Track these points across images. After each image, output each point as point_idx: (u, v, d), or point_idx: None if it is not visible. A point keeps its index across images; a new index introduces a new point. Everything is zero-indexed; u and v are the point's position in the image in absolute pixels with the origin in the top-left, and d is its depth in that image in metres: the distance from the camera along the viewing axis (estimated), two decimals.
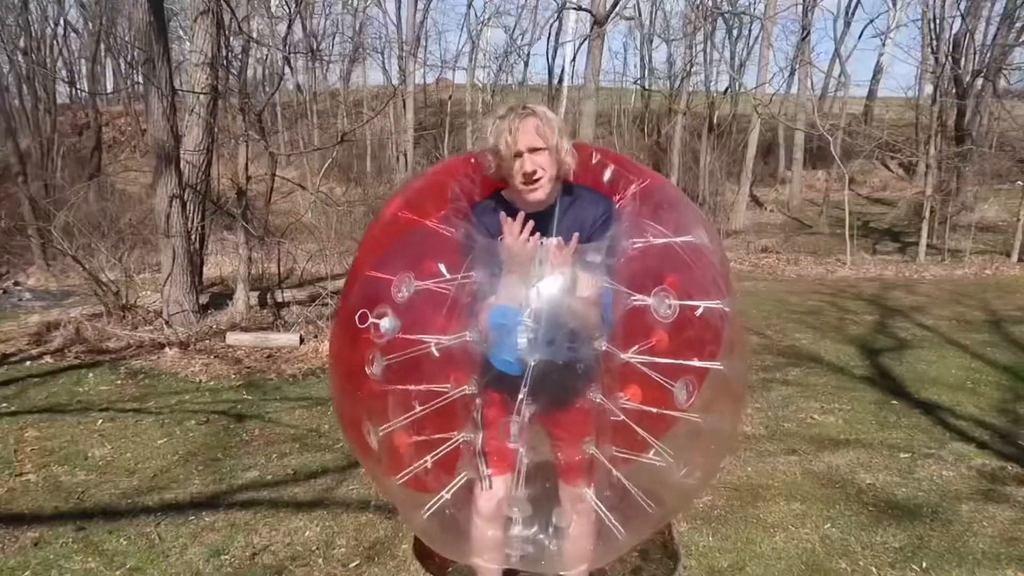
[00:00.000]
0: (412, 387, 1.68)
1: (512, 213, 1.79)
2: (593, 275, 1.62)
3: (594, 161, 1.99)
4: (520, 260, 1.65)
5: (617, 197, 1.89)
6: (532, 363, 1.57)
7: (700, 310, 1.66)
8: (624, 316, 1.62)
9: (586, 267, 1.63)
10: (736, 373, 1.82)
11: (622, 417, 1.67)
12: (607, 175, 1.97)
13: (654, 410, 1.69)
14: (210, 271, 9.28)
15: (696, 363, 1.69)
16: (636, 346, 1.64)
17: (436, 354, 1.61)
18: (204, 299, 7.02)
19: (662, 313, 1.60)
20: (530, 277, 1.61)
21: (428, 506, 1.78)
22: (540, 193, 1.75)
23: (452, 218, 1.77)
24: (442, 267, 1.65)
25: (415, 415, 1.69)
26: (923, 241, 11.87)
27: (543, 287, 1.60)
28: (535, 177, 1.72)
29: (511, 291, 1.62)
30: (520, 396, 1.60)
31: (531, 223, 1.69)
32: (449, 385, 1.67)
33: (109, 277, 6.72)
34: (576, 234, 1.67)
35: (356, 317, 1.68)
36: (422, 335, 1.62)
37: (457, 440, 1.73)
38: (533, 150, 1.70)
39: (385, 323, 1.65)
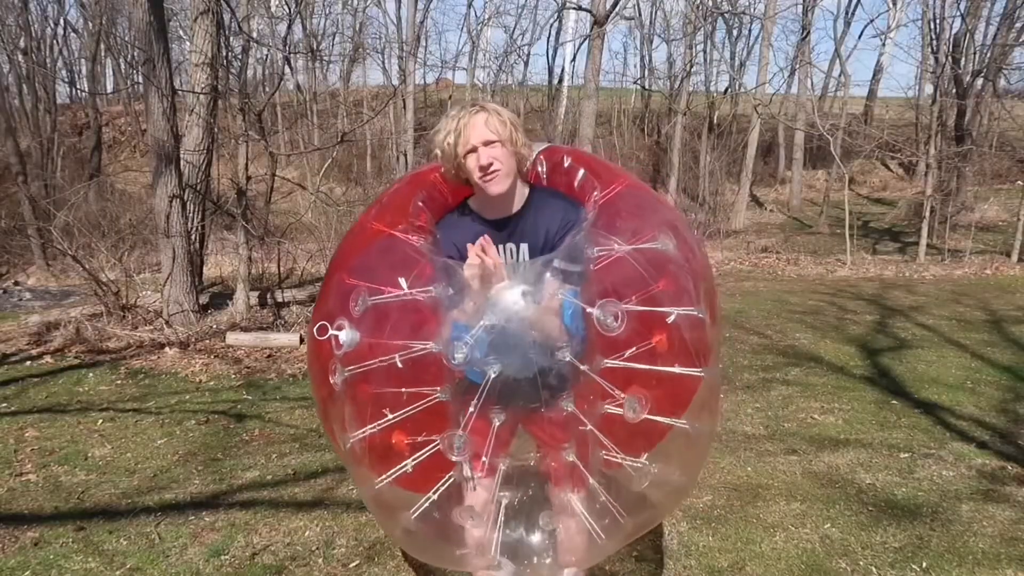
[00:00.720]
0: (379, 399, 1.67)
1: (477, 220, 1.80)
2: (551, 284, 1.60)
3: (566, 164, 1.97)
4: (475, 285, 1.65)
5: (588, 203, 1.87)
6: (493, 375, 1.56)
7: (672, 317, 1.64)
8: (590, 325, 1.59)
9: (544, 276, 1.61)
10: (715, 379, 1.82)
11: (589, 427, 1.64)
12: (579, 177, 1.94)
13: (636, 417, 1.65)
14: (210, 271, 9.28)
15: (679, 370, 1.66)
16: (635, 347, 1.62)
17: (400, 366, 1.61)
18: (204, 299, 7.02)
19: (608, 325, 1.55)
20: (482, 295, 1.61)
21: (415, 508, 1.76)
22: (499, 187, 1.74)
23: (410, 233, 1.78)
24: (402, 281, 1.65)
25: (384, 424, 1.68)
26: (923, 241, 11.86)
27: (490, 302, 1.59)
28: (492, 169, 1.71)
29: (466, 309, 1.63)
30: (471, 409, 1.59)
31: (490, 244, 1.67)
32: (420, 394, 1.67)
33: (109, 277, 6.72)
34: (485, 237, 1.66)
35: (315, 330, 1.68)
36: (384, 350, 1.62)
37: (438, 443, 1.71)
38: (486, 143, 1.71)
39: (343, 335, 1.64)
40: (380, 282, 1.67)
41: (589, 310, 1.57)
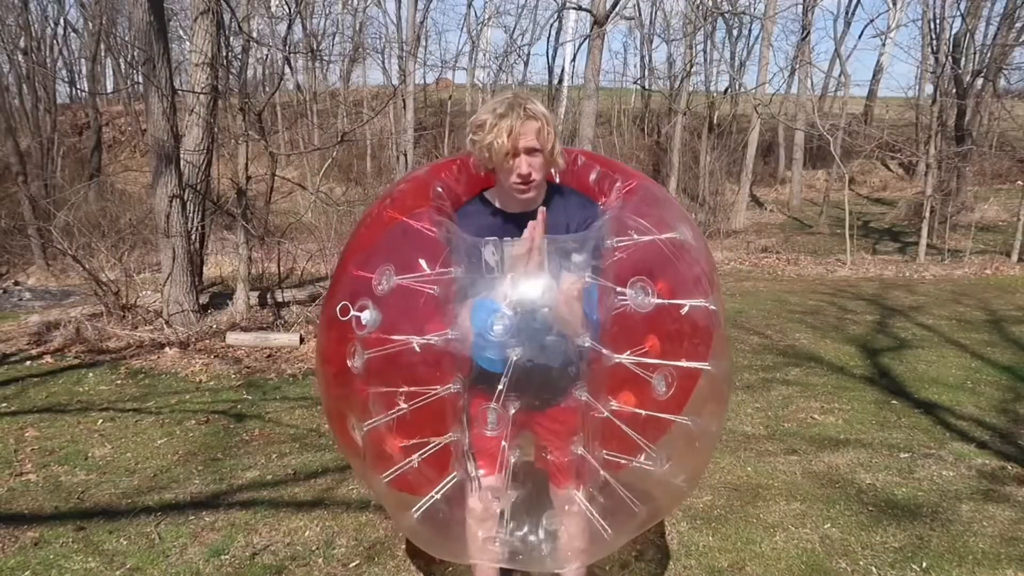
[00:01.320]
0: (396, 385, 1.68)
1: (496, 212, 1.82)
2: (574, 269, 1.62)
3: (579, 163, 2.00)
4: (520, 263, 1.66)
5: (603, 200, 1.92)
6: (515, 357, 1.57)
7: (685, 308, 1.66)
8: (613, 317, 1.62)
9: (567, 262, 1.63)
10: (722, 373, 1.83)
11: (606, 414, 1.65)
12: (592, 176, 1.98)
13: (643, 412, 1.68)
14: (210, 271, 9.28)
15: (685, 364, 1.68)
16: (628, 351, 1.63)
17: (418, 350, 1.61)
18: (204, 299, 7.02)
19: (639, 303, 1.59)
20: (516, 274, 1.63)
21: (418, 507, 1.77)
22: (530, 196, 1.78)
23: (433, 216, 1.76)
24: (423, 262, 1.65)
25: (399, 412, 1.68)
26: (923, 241, 11.86)
27: (520, 279, 1.60)
28: (530, 179, 1.73)
29: (495, 287, 1.63)
30: (500, 387, 1.59)
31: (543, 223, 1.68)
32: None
33: (109, 277, 6.72)
34: (543, 211, 1.68)
35: (338, 310, 1.69)
36: (404, 333, 1.62)
37: (443, 440, 1.72)
38: (530, 151, 1.71)
39: (366, 315, 1.65)
40: (399, 265, 1.67)
41: (620, 290, 1.59)
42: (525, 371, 1.59)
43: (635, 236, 1.68)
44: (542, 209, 1.68)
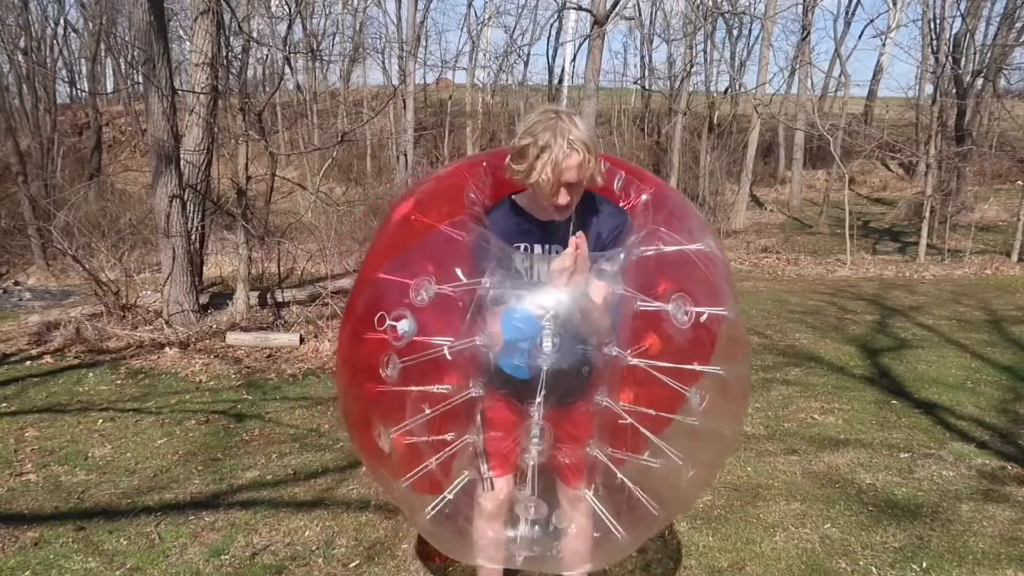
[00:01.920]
0: (419, 388, 1.70)
1: (526, 219, 1.82)
2: (606, 281, 1.65)
3: (604, 169, 2.01)
4: (560, 278, 1.68)
5: (628, 204, 1.94)
6: (546, 368, 1.60)
7: (704, 316, 1.70)
8: (625, 319, 1.65)
9: (599, 274, 1.66)
10: (736, 376, 1.84)
11: (629, 420, 1.69)
12: (617, 183, 2.00)
13: (652, 412, 1.71)
14: (210, 271, 9.27)
15: (696, 367, 1.70)
16: (629, 349, 1.66)
17: (449, 358, 1.62)
18: (204, 299, 7.02)
19: (680, 320, 1.63)
20: (556, 287, 1.66)
21: (431, 507, 1.80)
22: (566, 215, 1.79)
23: (468, 223, 1.76)
24: (459, 272, 1.66)
25: (426, 416, 1.71)
26: (923, 241, 11.86)
27: (565, 297, 1.63)
28: (567, 205, 1.75)
29: (533, 298, 1.65)
30: (537, 400, 1.64)
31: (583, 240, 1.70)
32: (452, 386, 1.69)
33: (109, 277, 6.72)
34: (581, 233, 1.69)
35: (375, 320, 1.68)
36: (435, 338, 1.64)
37: (462, 442, 1.75)
38: (570, 185, 1.71)
39: (403, 325, 1.65)
40: (441, 275, 1.68)
41: (659, 305, 1.63)
42: (552, 379, 1.63)
43: (661, 247, 1.72)
44: (581, 233, 1.69)
